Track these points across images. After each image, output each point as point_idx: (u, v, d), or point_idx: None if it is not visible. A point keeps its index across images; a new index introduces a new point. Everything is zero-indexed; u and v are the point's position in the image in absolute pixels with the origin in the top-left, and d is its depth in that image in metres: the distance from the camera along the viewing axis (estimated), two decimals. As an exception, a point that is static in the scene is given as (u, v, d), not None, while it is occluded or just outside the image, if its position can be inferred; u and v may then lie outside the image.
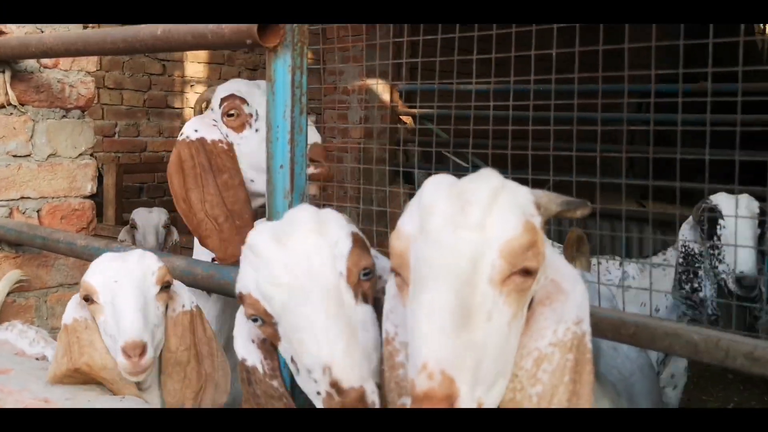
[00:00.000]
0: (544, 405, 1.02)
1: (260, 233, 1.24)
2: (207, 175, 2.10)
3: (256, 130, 2.14)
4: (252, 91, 2.15)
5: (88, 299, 1.65)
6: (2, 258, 2.58)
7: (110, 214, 5.29)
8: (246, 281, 1.23)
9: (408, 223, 1.05)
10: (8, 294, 2.56)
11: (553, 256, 1.09)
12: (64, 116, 2.69)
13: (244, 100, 2.13)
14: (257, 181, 2.15)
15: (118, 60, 5.99)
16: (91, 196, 2.81)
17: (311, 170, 2.14)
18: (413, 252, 1.02)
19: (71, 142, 2.71)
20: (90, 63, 2.74)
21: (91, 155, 2.79)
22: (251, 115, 2.13)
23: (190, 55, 6.43)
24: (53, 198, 2.68)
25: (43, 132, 2.63)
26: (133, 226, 4.34)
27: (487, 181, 1.04)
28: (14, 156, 2.58)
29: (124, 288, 1.62)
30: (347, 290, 1.19)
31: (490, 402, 0.98)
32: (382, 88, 6.36)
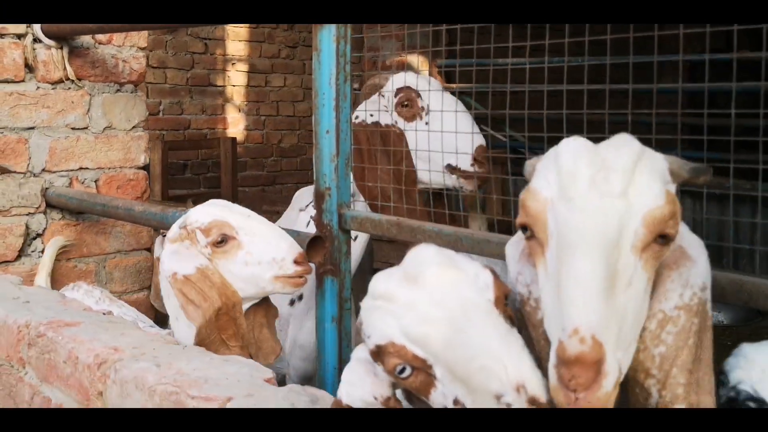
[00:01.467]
0: (666, 367, 1.05)
1: (385, 281, 1.19)
2: (382, 156, 2.28)
3: (426, 123, 2.32)
4: (424, 86, 2.34)
5: (223, 240, 1.79)
6: (64, 225, 2.73)
7: (156, 190, 5.47)
8: (384, 331, 1.15)
9: (545, 187, 1.06)
10: (69, 260, 2.71)
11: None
12: (118, 90, 2.82)
13: (418, 94, 2.32)
14: (421, 169, 2.32)
15: (161, 39, 6.13)
16: (144, 168, 2.94)
17: (474, 168, 2.31)
18: (552, 215, 1.04)
19: (125, 115, 2.84)
20: (141, 38, 2.86)
21: (144, 128, 2.92)
22: (423, 108, 2.31)
23: (231, 33, 6.55)
24: (109, 168, 2.82)
25: (99, 105, 2.76)
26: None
27: (627, 147, 1.05)
28: (73, 128, 2.72)
29: (257, 217, 1.85)
30: (499, 316, 1.15)
31: (625, 365, 1.01)
32: (421, 64, 6.40)
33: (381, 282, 1.19)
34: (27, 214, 2.65)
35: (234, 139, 6.05)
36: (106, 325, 1.91)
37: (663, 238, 1.01)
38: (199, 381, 1.57)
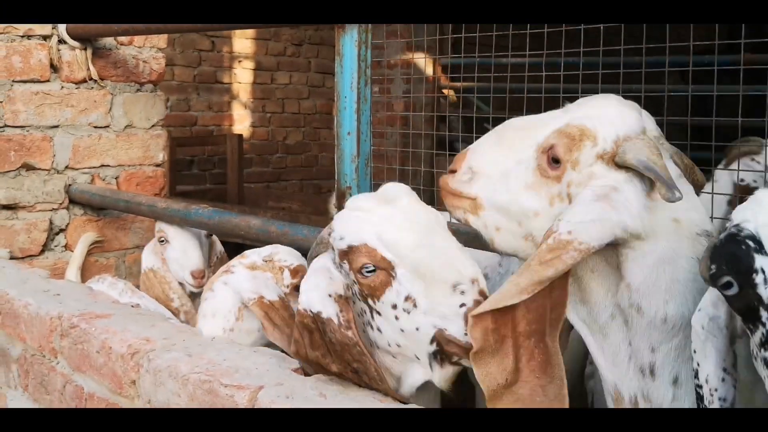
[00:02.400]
0: None
1: (364, 199, 1.48)
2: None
3: None
4: None
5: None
6: (86, 221, 2.81)
7: (165, 186, 5.56)
8: (359, 235, 1.39)
9: None
10: (90, 254, 2.80)
11: None
12: (138, 90, 2.90)
13: None
14: None
15: (169, 37, 6.20)
16: (161, 165, 3.02)
17: None
18: None
19: (145, 114, 2.92)
20: (161, 40, 2.94)
21: (162, 126, 3.00)
22: None
23: (238, 31, 6.63)
24: (129, 166, 2.90)
25: (120, 105, 2.85)
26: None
27: None
28: (95, 127, 2.80)
29: None
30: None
31: None
32: (424, 63, 6.48)
33: (360, 200, 1.46)
34: (51, 210, 2.73)
35: (240, 135, 6.12)
36: (135, 317, 2.00)
37: None
38: (230, 370, 1.65)
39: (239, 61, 6.68)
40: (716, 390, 1.15)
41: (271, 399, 1.50)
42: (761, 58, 2.89)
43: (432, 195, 3.58)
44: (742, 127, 2.36)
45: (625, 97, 3.24)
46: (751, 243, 1.07)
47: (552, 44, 3.06)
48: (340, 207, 2.20)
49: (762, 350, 1.06)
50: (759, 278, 1.06)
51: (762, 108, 2.53)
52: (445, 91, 6.72)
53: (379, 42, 6.36)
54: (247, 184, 6.29)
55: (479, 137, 1.61)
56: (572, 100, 1.52)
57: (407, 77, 6.70)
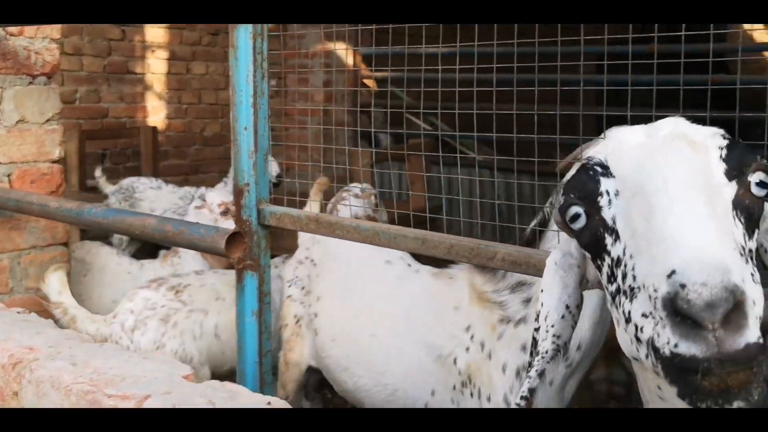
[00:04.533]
0: None
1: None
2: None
3: None
4: None
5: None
6: (-25, 221, 2.66)
7: (73, 181, 5.33)
8: None
9: None
10: (-19, 256, 2.65)
11: None
12: (30, 83, 2.76)
13: None
14: None
15: (77, 25, 5.96)
16: (58, 161, 2.88)
17: None
18: None
19: (38, 108, 2.78)
20: (54, 30, 2.80)
21: (58, 121, 2.86)
22: None
23: (150, 20, 6.41)
24: (23, 163, 2.76)
25: (11, 98, 2.70)
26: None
27: None
28: (-17, 122, 2.64)
29: None
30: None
31: None
32: (344, 52, 6.43)
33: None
34: (-65, 210, 2.57)
35: (154, 128, 5.94)
36: (21, 324, 1.89)
37: None
38: (116, 379, 1.58)
39: (152, 51, 6.47)
40: (552, 326, 1.14)
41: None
42: (673, 49, 2.93)
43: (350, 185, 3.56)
44: (656, 118, 2.39)
45: (540, 87, 3.27)
46: (598, 168, 1.06)
47: (469, 34, 3.06)
48: (237, 204, 2.14)
49: (609, 285, 1.02)
50: (604, 200, 1.04)
51: (676, 98, 2.60)
52: (365, 81, 6.69)
53: (295, 33, 6.27)
54: (164, 178, 6.12)
55: (399, 128, 1.59)
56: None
57: (328, 69, 6.64)
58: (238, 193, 2.12)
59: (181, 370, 1.68)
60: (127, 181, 4.81)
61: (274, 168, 4.55)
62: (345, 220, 2.03)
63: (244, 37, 2.00)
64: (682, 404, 0.96)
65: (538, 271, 1.67)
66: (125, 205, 4.57)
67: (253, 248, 2.13)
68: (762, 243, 1.13)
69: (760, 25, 10.09)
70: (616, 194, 1.04)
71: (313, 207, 3.03)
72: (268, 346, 2.21)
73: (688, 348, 0.84)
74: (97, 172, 4.98)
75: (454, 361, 2.10)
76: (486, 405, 1.97)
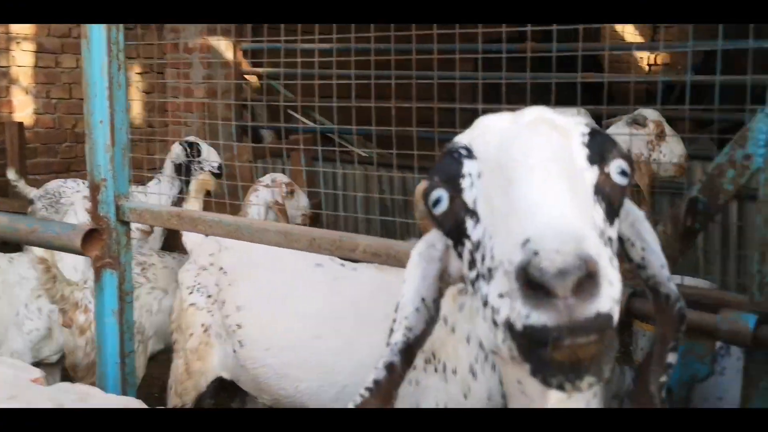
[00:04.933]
0: None
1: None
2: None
3: None
4: None
5: None
6: None
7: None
8: None
9: None
10: None
11: None
12: None
13: None
14: None
15: (-67, 14, 5.56)
16: None
17: None
18: None
19: None
20: None
21: None
22: None
23: (15, 9, 6.06)
24: None
25: None
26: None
27: None
28: None
29: None
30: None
31: None
32: (224, 46, 6.31)
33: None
34: None
35: (21, 123, 5.63)
36: None
37: None
38: (-45, 386, 1.49)
39: (17, 43, 6.13)
40: (406, 318, 1.10)
41: None
42: (547, 47, 3.04)
43: (235, 185, 3.50)
44: None
45: (418, 84, 3.30)
46: (463, 151, 1.04)
47: (350, 30, 3.06)
48: (94, 200, 2.06)
49: (470, 272, 0.99)
50: (466, 182, 1.02)
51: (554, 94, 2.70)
52: (247, 77, 6.59)
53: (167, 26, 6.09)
54: (33, 176, 5.81)
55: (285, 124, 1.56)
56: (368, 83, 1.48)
57: (209, 63, 6.49)
58: (94, 188, 2.04)
59: (30, 373, 1.60)
60: (52, 185, 4.53)
61: (214, 156, 4.45)
62: (207, 215, 2.00)
63: (96, 27, 1.93)
64: (542, 398, 0.97)
65: (398, 261, 1.70)
66: (51, 211, 4.29)
67: (112, 246, 2.06)
68: (629, 237, 1.13)
69: (631, 26, 10.65)
70: (479, 175, 1.01)
71: (194, 205, 3.01)
72: (130, 347, 2.14)
73: (539, 317, 0.80)
74: (11, 174, 4.69)
75: None
76: (451, 378, 1.95)
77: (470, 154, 1.03)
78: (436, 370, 2.05)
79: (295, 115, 5.99)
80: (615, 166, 1.01)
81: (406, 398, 2.04)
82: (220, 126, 5.26)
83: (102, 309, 2.06)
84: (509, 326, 0.85)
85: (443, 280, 1.14)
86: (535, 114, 1.04)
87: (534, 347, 0.82)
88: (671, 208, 1.48)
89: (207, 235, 2.41)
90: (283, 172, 5.72)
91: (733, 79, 3.24)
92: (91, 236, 1.99)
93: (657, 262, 1.12)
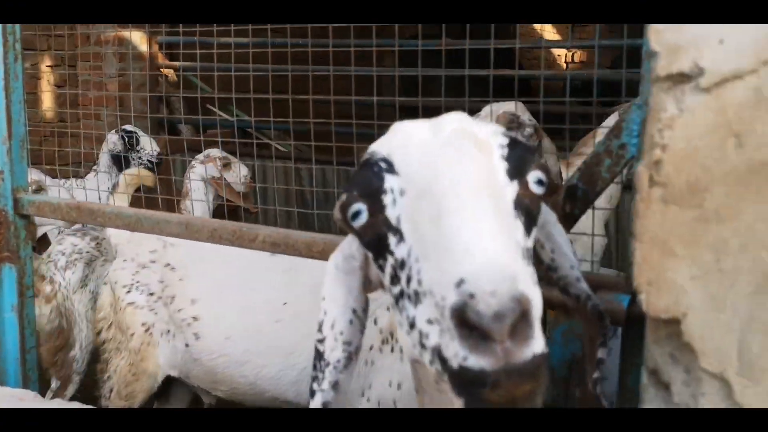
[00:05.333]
0: None
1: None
2: None
3: None
4: None
5: None
6: None
7: None
8: None
9: None
10: None
11: None
12: None
13: None
14: None
15: None
16: None
17: None
18: None
19: None
20: None
21: None
22: None
23: None
24: None
25: None
26: None
27: None
28: None
29: None
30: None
31: None
32: (139, 39, 6.19)
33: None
34: None
35: None
36: None
37: None
38: None
39: None
40: (342, 333, 1.09)
41: None
42: (461, 43, 3.13)
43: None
44: (445, 106, 2.54)
45: (335, 78, 3.31)
46: (383, 164, 1.01)
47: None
48: (-11, 194, 2.02)
49: (393, 287, 0.97)
50: (388, 198, 0.99)
51: (476, 89, 2.77)
52: (163, 70, 6.48)
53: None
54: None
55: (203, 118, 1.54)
56: (286, 78, 1.47)
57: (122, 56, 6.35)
58: (-11, 181, 2.00)
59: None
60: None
61: (153, 146, 4.35)
62: (106, 207, 1.99)
63: (-10, 15, 1.88)
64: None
65: (296, 250, 1.73)
66: None
67: (10, 240, 2.02)
68: (539, 239, 1.13)
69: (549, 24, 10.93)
70: (401, 193, 0.99)
71: (121, 200, 3.01)
72: (32, 342, 2.11)
73: (477, 361, 0.81)
74: None
75: (375, 322, 2.14)
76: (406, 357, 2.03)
77: (391, 169, 1.00)
78: (392, 350, 2.11)
79: (213, 109, 5.93)
80: (533, 177, 1.00)
81: (360, 378, 2.12)
82: (134, 120, 5.17)
83: (1, 305, 2.02)
84: (441, 358, 0.86)
85: (365, 288, 1.13)
86: (455, 125, 1.03)
87: (470, 386, 0.82)
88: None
89: (106, 227, 2.39)
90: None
91: (608, 73, 3.37)
92: (-14, 230, 1.95)
93: (566, 263, 1.13)
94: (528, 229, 0.99)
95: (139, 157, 4.15)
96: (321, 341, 1.11)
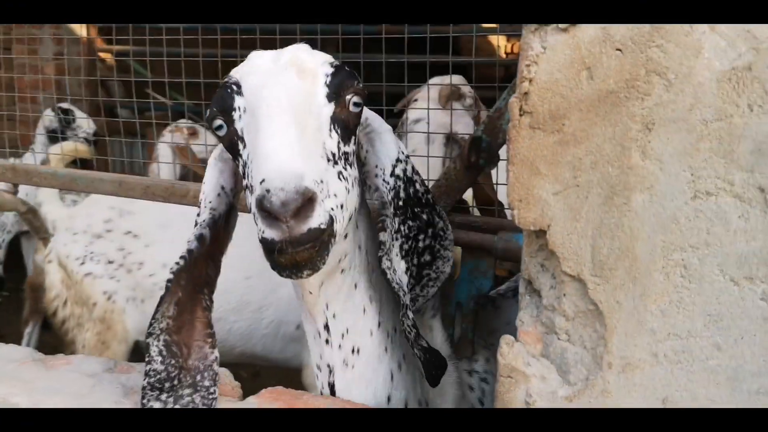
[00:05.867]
0: None
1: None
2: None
3: None
4: None
5: None
6: None
7: None
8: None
9: None
10: None
11: None
12: None
13: None
14: None
15: None
16: None
17: None
18: None
19: None
20: None
21: None
22: None
23: None
24: None
25: None
26: None
27: None
28: None
29: None
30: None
31: None
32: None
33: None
34: None
35: None
36: None
37: None
38: None
39: None
40: (210, 202, 1.40)
41: None
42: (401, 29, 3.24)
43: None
44: (386, 91, 2.65)
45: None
46: (234, 87, 1.27)
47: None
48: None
49: (244, 179, 1.25)
50: (236, 114, 1.26)
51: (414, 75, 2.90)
52: (101, 54, 6.44)
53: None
54: None
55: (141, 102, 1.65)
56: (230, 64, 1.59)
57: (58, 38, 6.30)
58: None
59: None
60: None
61: (90, 124, 4.35)
62: (41, 168, 2.06)
63: None
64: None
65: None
66: None
67: (-55, 201, 2.07)
68: (361, 143, 1.41)
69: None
70: (244, 111, 1.26)
71: None
72: None
73: (270, 234, 1.09)
74: None
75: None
76: None
77: (240, 91, 1.26)
78: None
79: (150, 92, 5.94)
80: (350, 99, 1.27)
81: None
82: (71, 103, 5.15)
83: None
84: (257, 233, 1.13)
85: (237, 175, 1.43)
86: (290, 55, 1.28)
87: (269, 252, 1.11)
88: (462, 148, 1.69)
89: (40, 187, 2.44)
90: (141, 147, 5.69)
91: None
92: None
93: (374, 161, 1.41)
94: (345, 137, 1.27)
95: (76, 135, 4.16)
96: (198, 214, 1.41)
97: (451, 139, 2.97)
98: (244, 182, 1.26)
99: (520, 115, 1.05)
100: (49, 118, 4.25)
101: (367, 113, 1.42)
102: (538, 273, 1.10)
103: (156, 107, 5.36)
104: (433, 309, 1.70)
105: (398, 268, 1.35)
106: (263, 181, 1.08)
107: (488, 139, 1.64)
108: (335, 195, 1.18)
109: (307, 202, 1.08)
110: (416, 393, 1.57)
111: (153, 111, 5.17)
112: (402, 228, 1.38)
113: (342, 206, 1.20)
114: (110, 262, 2.61)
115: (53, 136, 4.22)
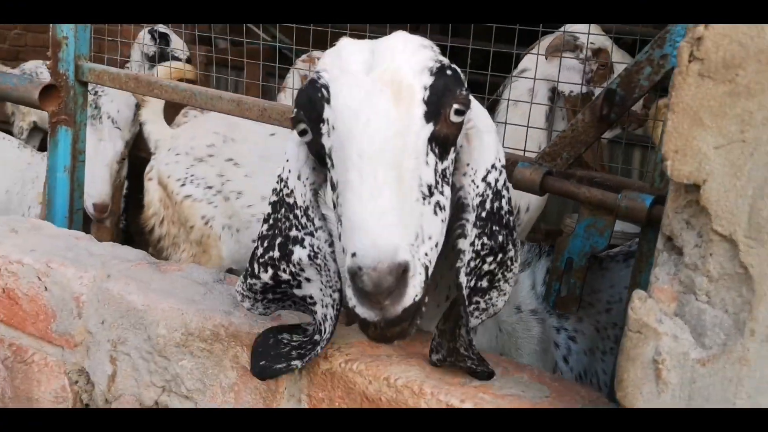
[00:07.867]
0: None
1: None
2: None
3: None
4: None
5: None
6: None
7: None
8: None
9: None
10: None
11: None
12: None
13: None
14: None
15: None
16: None
17: None
18: None
19: None
20: None
21: None
22: None
23: None
24: None
25: None
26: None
27: None
28: None
29: None
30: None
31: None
32: None
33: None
34: None
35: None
36: None
37: None
38: None
39: None
40: (308, 178, 1.28)
41: None
42: None
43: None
44: None
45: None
46: (324, 92, 1.14)
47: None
48: (54, 57, 2.12)
49: (333, 193, 1.16)
50: (324, 128, 1.14)
51: None
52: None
53: None
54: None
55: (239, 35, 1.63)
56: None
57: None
58: (55, 45, 2.10)
59: None
60: (29, 65, 4.49)
61: (185, 47, 4.42)
62: (163, 80, 2.09)
63: None
64: None
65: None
66: None
67: (69, 103, 2.13)
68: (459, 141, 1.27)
69: None
70: (333, 128, 1.13)
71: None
72: (80, 204, 2.24)
73: (362, 311, 1.05)
74: None
75: None
76: None
77: (328, 100, 1.14)
78: None
79: (254, 28, 5.97)
80: (452, 110, 1.15)
81: None
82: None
83: (55, 164, 2.14)
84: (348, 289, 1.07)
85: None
86: (386, 65, 1.13)
87: (361, 326, 1.08)
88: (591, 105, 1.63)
89: (161, 99, 2.49)
90: (236, 84, 5.77)
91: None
92: (49, 92, 2.06)
93: (465, 160, 1.26)
94: (444, 153, 1.16)
95: (173, 55, 4.21)
96: (289, 194, 1.29)
97: (556, 92, 2.81)
98: (334, 195, 1.16)
99: (689, 62, 1.00)
100: (145, 41, 4.32)
101: (472, 105, 1.25)
102: (682, 230, 1.05)
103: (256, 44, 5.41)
104: (521, 264, 1.65)
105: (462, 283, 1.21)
106: (354, 254, 1.02)
107: (623, 93, 1.57)
108: (430, 237, 1.11)
109: (401, 274, 1.02)
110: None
111: (261, 47, 5.23)
112: (476, 242, 1.24)
113: (437, 245, 1.13)
114: (209, 187, 2.62)
115: (149, 57, 4.28)
